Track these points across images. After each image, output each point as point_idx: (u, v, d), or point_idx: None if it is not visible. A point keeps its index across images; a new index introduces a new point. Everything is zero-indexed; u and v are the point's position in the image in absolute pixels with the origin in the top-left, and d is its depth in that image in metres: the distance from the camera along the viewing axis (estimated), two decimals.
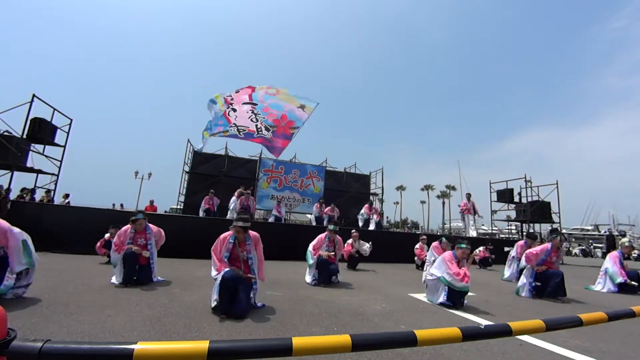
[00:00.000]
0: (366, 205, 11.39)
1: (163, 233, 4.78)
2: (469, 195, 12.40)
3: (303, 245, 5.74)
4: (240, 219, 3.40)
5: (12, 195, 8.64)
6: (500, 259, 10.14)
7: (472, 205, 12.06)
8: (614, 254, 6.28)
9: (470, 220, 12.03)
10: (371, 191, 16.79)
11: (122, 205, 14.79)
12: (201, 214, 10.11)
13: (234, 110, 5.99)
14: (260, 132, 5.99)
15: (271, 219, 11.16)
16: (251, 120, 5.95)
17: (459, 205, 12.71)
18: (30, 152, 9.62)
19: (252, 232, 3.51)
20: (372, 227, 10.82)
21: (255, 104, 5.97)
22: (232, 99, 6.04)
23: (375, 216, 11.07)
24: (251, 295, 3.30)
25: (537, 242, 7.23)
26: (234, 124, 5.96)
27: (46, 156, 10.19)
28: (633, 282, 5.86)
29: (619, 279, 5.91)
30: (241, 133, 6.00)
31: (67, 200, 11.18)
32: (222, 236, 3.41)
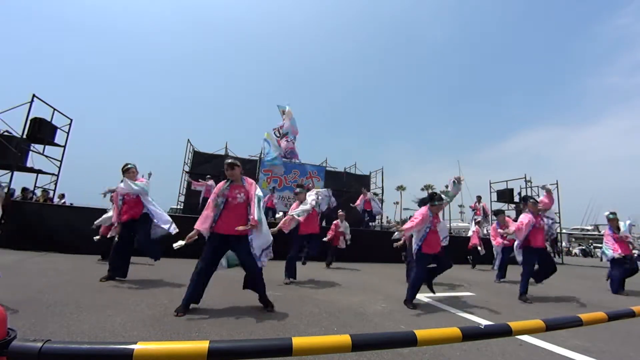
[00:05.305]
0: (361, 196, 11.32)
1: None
2: (479, 198, 12.37)
3: None
4: (229, 159, 3.31)
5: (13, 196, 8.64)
6: None
7: (482, 208, 12.02)
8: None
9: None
10: (371, 191, 16.78)
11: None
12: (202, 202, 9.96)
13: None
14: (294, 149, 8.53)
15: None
16: (286, 140, 8.33)
17: (470, 206, 12.71)
18: (30, 152, 9.61)
19: (247, 178, 3.38)
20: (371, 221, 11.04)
21: (286, 134, 8.34)
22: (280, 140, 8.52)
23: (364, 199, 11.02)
24: (252, 250, 3.13)
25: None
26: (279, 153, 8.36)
27: (46, 156, 10.17)
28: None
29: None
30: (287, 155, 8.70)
31: (63, 201, 11.12)
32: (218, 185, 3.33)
